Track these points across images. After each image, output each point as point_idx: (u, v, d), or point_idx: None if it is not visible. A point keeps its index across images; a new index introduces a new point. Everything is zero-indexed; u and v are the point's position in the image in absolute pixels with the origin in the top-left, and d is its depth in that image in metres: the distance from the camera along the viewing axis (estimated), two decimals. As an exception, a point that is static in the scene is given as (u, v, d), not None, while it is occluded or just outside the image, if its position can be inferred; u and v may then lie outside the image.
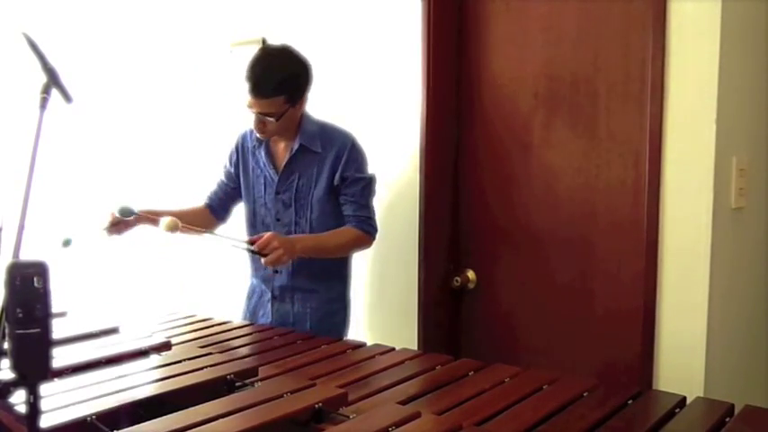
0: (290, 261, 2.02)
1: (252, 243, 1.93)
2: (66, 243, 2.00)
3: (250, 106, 1.99)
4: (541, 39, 2.05)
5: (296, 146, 2.07)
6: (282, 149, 2.12)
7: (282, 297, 2.14)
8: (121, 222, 2.07)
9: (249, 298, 2.24)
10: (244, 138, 2.21)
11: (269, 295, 2.15)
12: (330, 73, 2.46)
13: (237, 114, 2.86)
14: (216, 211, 2.27)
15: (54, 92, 1.43)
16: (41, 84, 1.42)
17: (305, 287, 2.11)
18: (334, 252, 2.08)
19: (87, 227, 2.15)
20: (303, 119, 2.09)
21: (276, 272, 2.12)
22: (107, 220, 2.07)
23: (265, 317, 2.16)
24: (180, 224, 1.94)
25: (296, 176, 2.09)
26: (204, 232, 2.06)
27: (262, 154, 2.14)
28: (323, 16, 2.51)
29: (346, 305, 2.18)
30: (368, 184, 2.09)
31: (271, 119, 1.99)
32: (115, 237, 2.10)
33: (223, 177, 2.27)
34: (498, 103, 2.17)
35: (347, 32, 2.44)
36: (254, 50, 2.09)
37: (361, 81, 2.39)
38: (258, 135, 2.07)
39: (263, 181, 2.15)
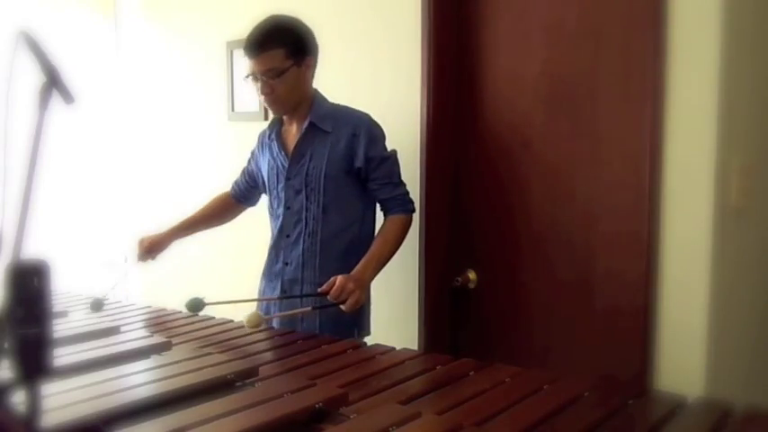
0: (301, 249, 2.04)
1: (326, 293, 1.87)
2: (196, 306, 2.04)
3: (252, 72, 1.96)
4: (542, 38, 2.05)
5: (306, 124, 2.03)
6: (294, 133, 2.09)
7: (292, 293, 2.07)
8: (154, 247, 2.26)
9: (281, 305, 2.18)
10: (262, 134, 2.22)
11: (277, 293, 2.10)
12: (330, 72, 2.45)
13: (235, 113, 2.87)
14: (240, 200, 2.37)
15: (54, 92, 1.43)
16: (41, 84, 1.41)
17: (315, 281, 2.02)
18: (394, 252, 2.03)
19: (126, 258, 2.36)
20: (316, 99, 2.07)
21: (286, 264, 2.08)
22: (138, 249, 2.26)
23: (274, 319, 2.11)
24: (263, 318, 1.91)
25: (306, 159, 2.04)
26: (284, 315, 2.02)
27: (275, 144, 2.12)
28: (323, 15, 2.51)
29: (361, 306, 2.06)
30: (395, 161, 2.06)
31: (275, 79, 1.94)
32: (150, 261, 2.29)
33: (246, 171, 2.32)
34: (498, 103, 2.17)
35: (347, 32, 2.44)
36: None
37: (362, 80, 2.39)
38: (269, 106, 2.05)
39: (275, 171, 2.12)
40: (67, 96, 1.47)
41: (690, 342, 1.77)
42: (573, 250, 2.02)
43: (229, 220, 2.41)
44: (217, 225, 2.41)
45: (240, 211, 2.40)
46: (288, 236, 2.09)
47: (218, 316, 2.07)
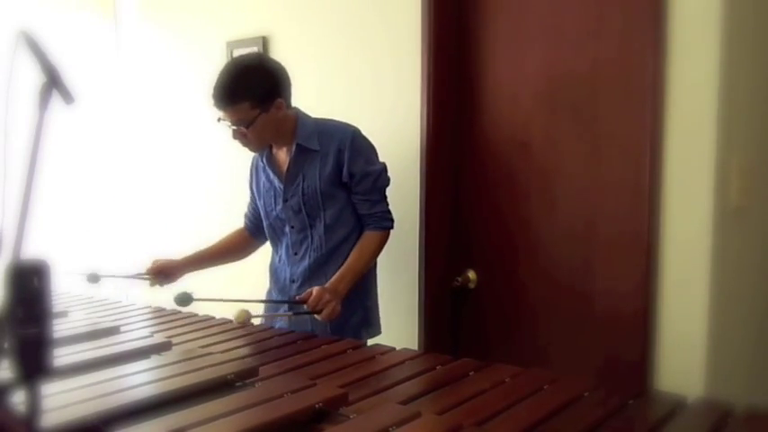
0: (307, 264, 2.07)
1: (303, 302, 1.91)
2: (184, 301, 2.02)
3: (223, 120, 1.98)
4: (542, 38, 2.05)
5: (294, 147, 2.05)
6: (284, 155, 2.11)
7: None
8: (166, 272, 2.21)
9: (266, 309, 2.21)
10: (256, 158, 2.21)
11: (285, 306, 2.12)
12: (330, 73, 2.46)
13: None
14: (253, 232, 2.31)
15: (54, 92, 1.43)
16: (41, 84, 1.41)
17: None
18: (368, 267, 2.06)
19: (132, 280, 2.29)
20: (299, 121, 2.06)
21: (293, 281, 2.11)
22: (150, 271, 2.22)
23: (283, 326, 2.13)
24: (251, 315, 1.93)
25: (300, 179, 2.06)
26: (267, 316, 2.12)
27: (268, 168, 2.13)
28: (323, 15, 2.51)
29: (366, 306, 2.11)
30: (378, 176, 2.05)
31: (244, 129, 1.96)
32: (158, 286, 2.24)
33: (251, 205, 2.31)
34: (498, 103, 2.17)
35: (347, 33, 2.44)
36: (252, 50, 2.08)
37: (362, 81, 2.39)
38: (246, 147, 2.05)
39: (272, 193, 2.14)
40: (67, 96, 1.47)
41: (690, 342, 1.77)
42: (573, 250, 2.02)
43: (246, 255, 2.35)
44: (233, 260, 2.36)
45: (257, 247, 2.34)
46: (296, 253, 2.12)
47: (217, 315, 2.07)
